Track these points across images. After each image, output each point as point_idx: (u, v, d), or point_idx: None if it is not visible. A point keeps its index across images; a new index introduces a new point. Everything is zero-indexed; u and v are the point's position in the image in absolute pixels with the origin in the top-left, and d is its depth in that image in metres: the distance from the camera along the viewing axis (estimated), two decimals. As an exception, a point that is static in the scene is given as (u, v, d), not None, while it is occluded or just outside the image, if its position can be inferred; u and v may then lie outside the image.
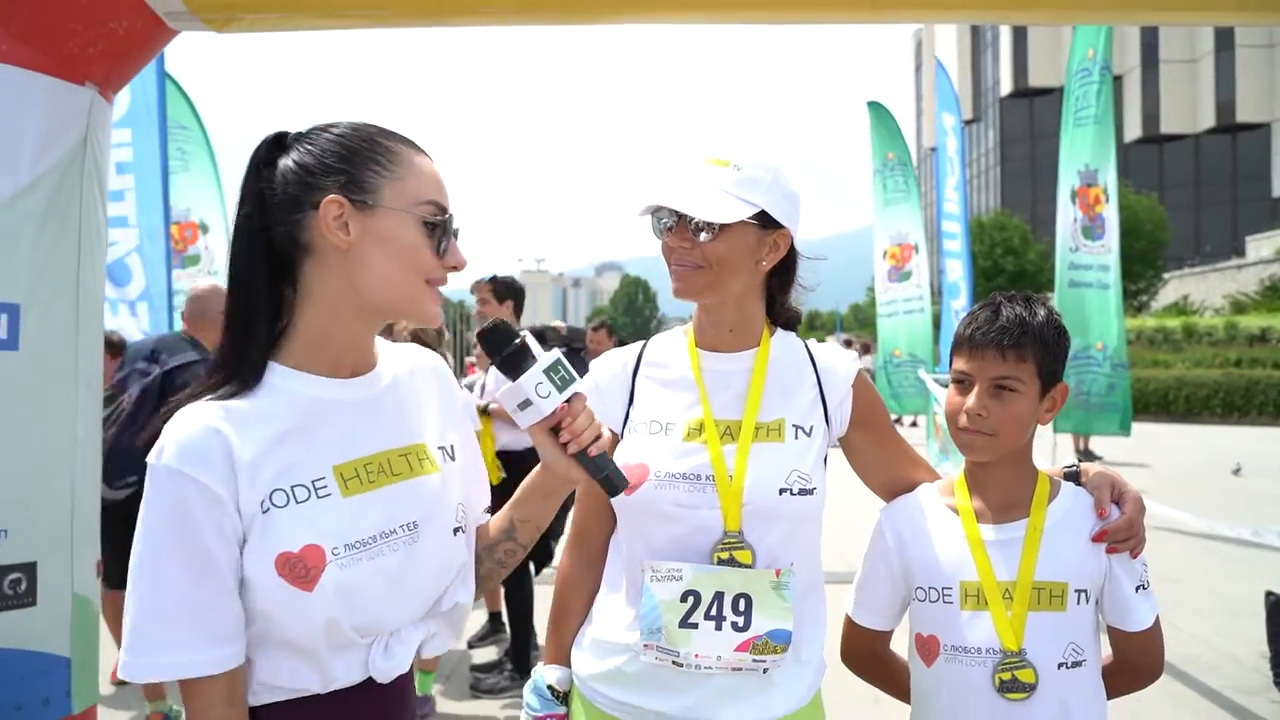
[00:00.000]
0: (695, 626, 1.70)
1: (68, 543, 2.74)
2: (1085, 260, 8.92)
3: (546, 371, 1.42)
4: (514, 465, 5.03)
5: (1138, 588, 1.81)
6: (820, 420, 1.84)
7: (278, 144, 1.46)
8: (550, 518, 1.64)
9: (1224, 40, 56.18)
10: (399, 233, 1.43)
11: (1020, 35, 62.09)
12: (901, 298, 14.97)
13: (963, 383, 1.82)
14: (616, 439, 1.85)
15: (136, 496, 4.14)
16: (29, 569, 2.63)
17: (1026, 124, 62.22)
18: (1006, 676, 1.74)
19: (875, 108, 15.81)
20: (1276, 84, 54.45)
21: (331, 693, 1.43)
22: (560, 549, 2.06)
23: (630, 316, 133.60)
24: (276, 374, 1.44)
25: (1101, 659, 1.88)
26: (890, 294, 15.04)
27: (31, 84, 2.63)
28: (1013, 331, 1.76)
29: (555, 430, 1.46)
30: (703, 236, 1.72)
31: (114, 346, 5.68)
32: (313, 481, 1.39)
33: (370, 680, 1.46)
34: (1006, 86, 65.09)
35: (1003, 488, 1.84)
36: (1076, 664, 1.77)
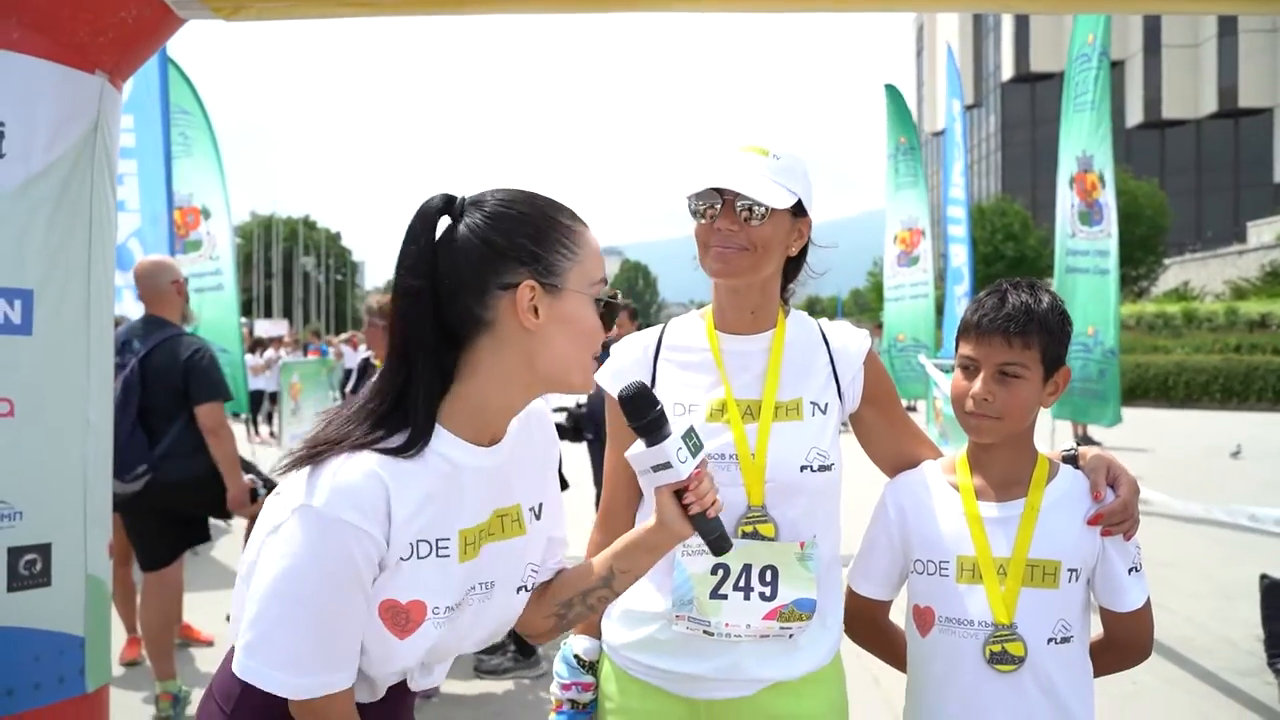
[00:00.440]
0: (725, 597, 1.78)
1: (81, 524, 2.79)
2: (1082, 246, 8.92)
3: (684, 438, 1.49)
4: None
5: (1130, 569, 1.86)
6: (834, 397, 1.92)
7: (447, 208, 1.44)
8: (649, 570, 1.70)
9: (1227, 25, 55.93)
10: (581, 314, 1.46)
11: (1022, 20, 61.86)
12: (909, 283, 14.92)
13: (969, 368, 1.87)
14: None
15: (150, 488, 4.17)
16: (44, 550, 2.68)
17: (1028, 109, 62.06)
18: (997, 648, 1.81)
19: (891, 91, 15.74)
20: (1279, 69, 54.29)
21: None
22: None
23: (632, 301, 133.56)
24: (437, 437, 1.45)
25: (1090, 637, 1.93)
26: (898, 279, 14.99)
27: (43, 72, 2.66)
28: (1018, 319, 1.81)
29: (678, 491, 1.52)
30: (752, 220, 1.79)
31: None
32: (438, 540, 1.43)
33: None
34: (1008, 71, 64.89)
35: (1003, 467, 1.89)
36: (1065, 640, 1.83)
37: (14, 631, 2.62)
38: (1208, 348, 24.57)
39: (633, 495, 1.99)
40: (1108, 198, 8.80)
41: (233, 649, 1.53)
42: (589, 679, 1.95)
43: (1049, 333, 1.83)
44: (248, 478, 4.69)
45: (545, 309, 1.42)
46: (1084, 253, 8.98)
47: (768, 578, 1.79)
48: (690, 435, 1.51)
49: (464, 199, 1.46)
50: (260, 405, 17.12)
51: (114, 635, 5.15)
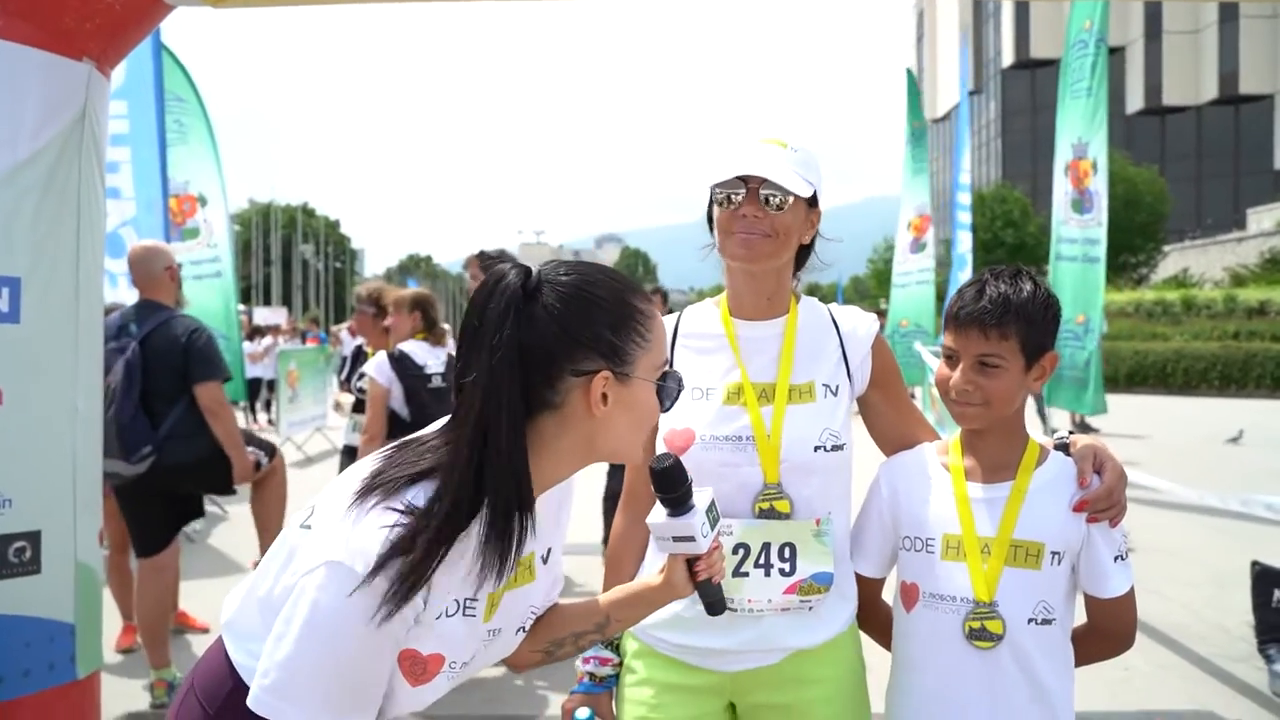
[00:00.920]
0: (747, 575, 1.87)
1: (70, 511, 2.80)
2: (1072, 234, 8.92)
3: (706, 512, 1.54)
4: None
5: (1116, 557, 1.88)
6: (845, 379, 1.99)
7: (524, 285, 1.40)
8: (640, 621, 1.76)
9: (1227, 11, 55.73)
10: (645, 400, 1.48)
11: (1022, 6, 61.62)
12: (916, 269, 14.89)
13: (951, 358, 1.91)
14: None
15: (154, 470, 4.19)
16: (33, 537, 2.69)
17: (1028, 96, 61.87)
18: (976, 625, 1.85)
19: (910, 77, 15.69)
20: (1280, 55, 54.22)
21: None
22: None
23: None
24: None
25: (1073, 624, 1.95)
26: (908, 265, 14.95)
27: (29, 59, 2.66)
28: (994, 311, 1.84)
29: (690, 559, 1.58)
30: (777, 208, 1.87)
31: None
32: (467, 600, 1.43)
33: None
34: (1008, 58, 64.65)
35: (994, 451, 1.93)
36: (1046, 622, 1.86)
37: (4, 619, 2.64)
38: (1206, 335, 24.58)
39: None
40: (1099, 185, 8.78)
41: (217, 644, 1.53)
42: (608, 654, 2.01)
43: (1028, 322, 1.85)
44: (250, 450, 4.71)
45: (613, 395, 1.43)
46: (1074, 240, 8.98)
47: (786, 554, 1.87)
48: (711, 509, 1.56)
49: (539, 274, 1.43)
50: (258, 393, 17.15)
51: (111, 622, 5.22)
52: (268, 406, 17.13)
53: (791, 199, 1.88)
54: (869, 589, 2.10)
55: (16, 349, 2.66)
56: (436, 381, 4.85)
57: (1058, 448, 1.96)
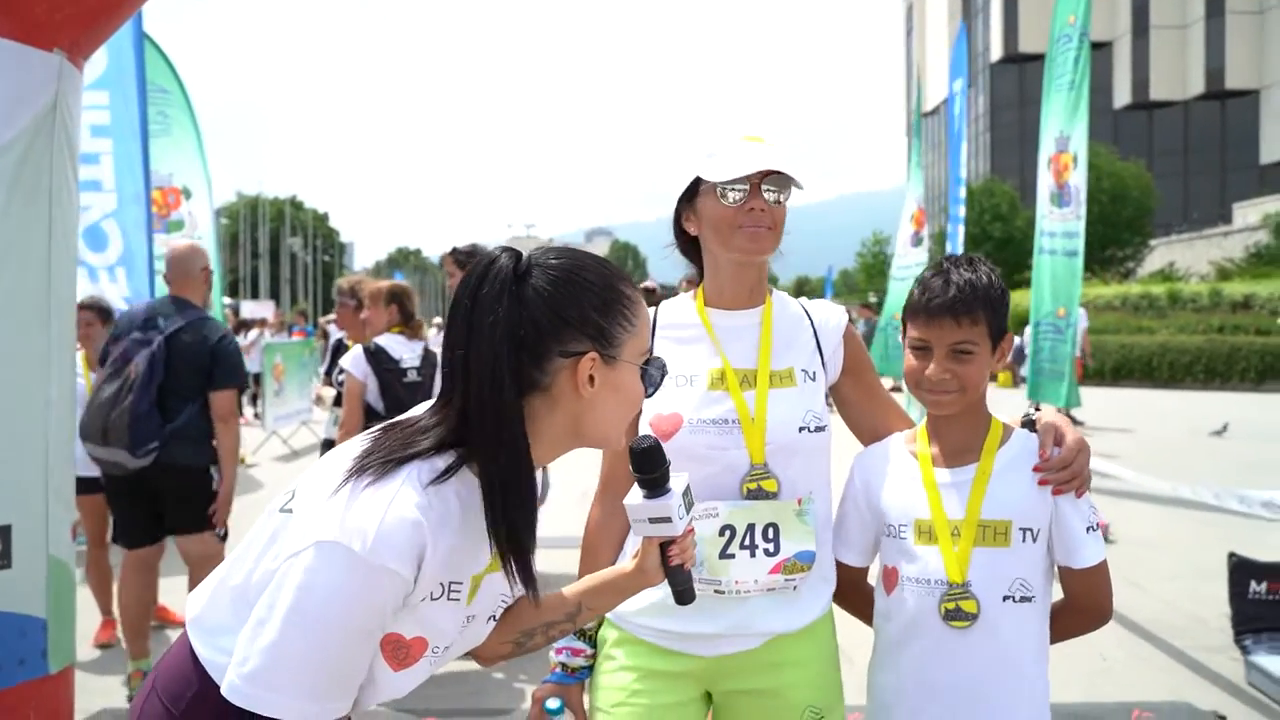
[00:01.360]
0: (733, 556, 1.91)
1: (43, 505, 2.77)
2: (1053, 227, 8.97)
3: (683, 495, 1.57)
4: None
5: (1088, 528, 1.92)
6: (820, 367, 2.06)
7: (516, 267, 1.44)
8: (611, 610, 1.80)
9: (1214, 6, 55.91)
10: (630, 384, 1.51)
11: (1010, 1, 61.83)
12: (914, 263, 14.89)
13: (923, 349, 1.94)
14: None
15: (154, 466, 4.16)
16: (3, 531, 2.67)
17: (1016, 90, 61.91)
18: (951, 606, 1.89)
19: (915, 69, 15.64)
20: (1266, 51, 54.25)
21: None
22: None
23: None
24: (469, 484, 1.44)
25: (1050, 602, 1.99)
26: (908, 258, 14.95)
27: (-2, 50, 2.63)
28: (965, 299, 1.88)
29: (663, 543, 1.59)
30: (777, 201, 1.95)
31: (105, 313, 5.73)
32: (452, 584, 1.44)
33: None
34: (997, 52, 64.73)
35: (959, 435, 1.98)
36: (1023, 599, 1.90)
37: (-26, 613, 2.62)
38: (1191, 328, 24.70)
39: None
40: (1078, 179, 8.83)
41: (181, 643, 1.50)
42: (581, 645, 2.02)
43: (993, 307, 1.91)
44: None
45: (600, 378, 1.46)
46: (1054, 234, 9.03)
47: (770, 534, 1.92)
48: (687, 493, 1.59)
49: (530, 257, 1.47)
50: (244, 386, 17.06)
51: (91, 617, 5.20)
52: (254, 400, 17.08)
53: (789, 192, 1.97)
54: (853, 575, 2.15)
55: (-13, 341, 2.64)
56: (412, 376, 4.83)
57: (1024, 424, 2.00)
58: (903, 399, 10.13)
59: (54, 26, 2.74)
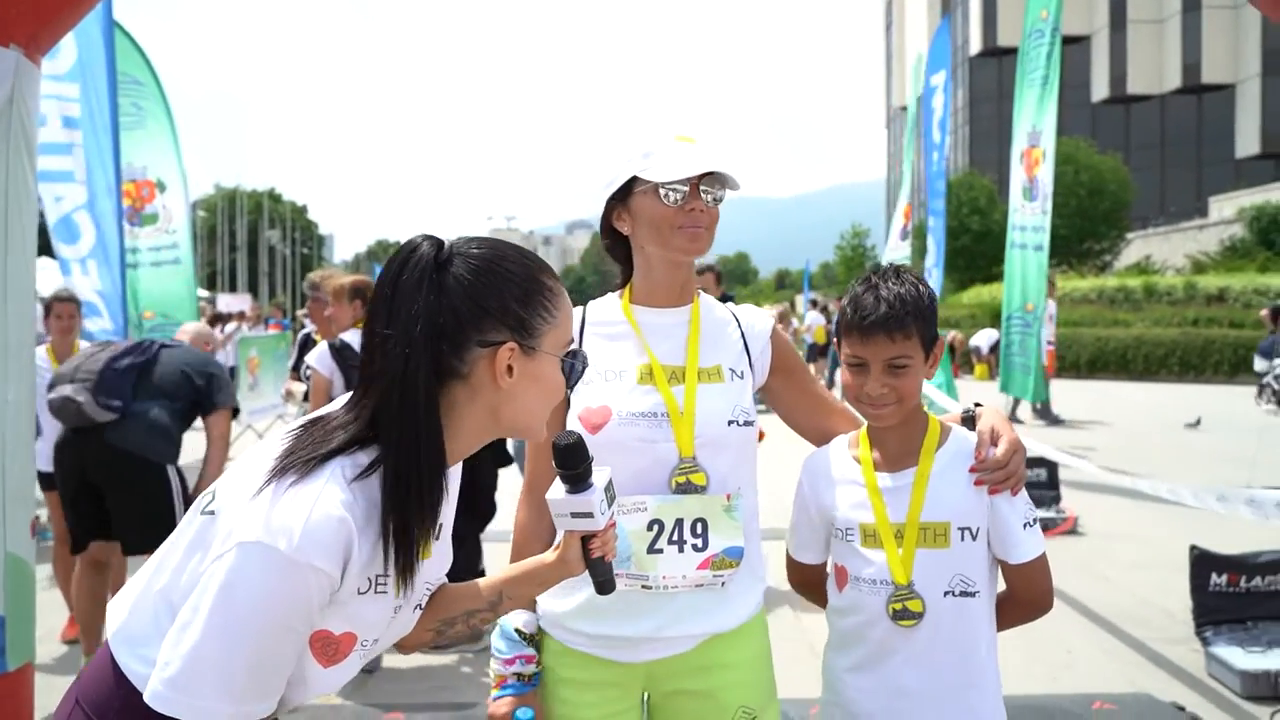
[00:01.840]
0: (660, 551, 1.91)
1: (-1, 504, 2.77)
2: (1024, 221, 9.02)
3: (605, 490, 1.59)
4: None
5: (1025, 524, 1.96)
6: (747, 367, 2.09)
7: (437, 256, 1.44)
8: (532, 598, 1.82)
9: (1191, 1, 56.18)
10: (550, 375, 1.52)
11: (990, -7, 61.99)
12: (900, 256, 14.89)
13: (858, 365, 1.96)
14: (566, 393, 1.98)
15: (109, 447, 4.14)
16: (-41, 529, 2.66)
17: (995, 83, 61.99)
18: (898, 606, 1.94)
19: (919, 59, 15.62)
20: (1242, 45, 54.55)
21: None
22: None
23: (600, 276, 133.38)
24: None
25: (995, 594, 2.04)
26: (899, 252, 14.96)
27: (-49, 46, 2.61)
28: (898, 314, 1.91)
29: (585, 536, 1.61)
30: (715, 201, 1.97)
31: (72, 301, 5.86)
32: (378, 577, 1.42)
33: None
34: (976, 46, 64.91)
35: (897, 440, 2.02)
36: (966, 594, 1.95)
37: (-71, 611, 2.61)
38: (1166, 321, 24.89)
39: None
40: (1045, 174, 8.89)
41: (103, 654, 1.47)
42: (531, 651, 2.01)
43: (924, 318, 1.94)
44: None
45: (519, 368, 1.46)
46: (1024, 228, 9.08)
47: (698, 530, 1.92)
48: (609, 488, 1.61)
49: (451, 246, 1.47)
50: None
51: (59, 613, 5.18)
52: (230, 394, 16.99)
53: (724, 193, 1.98)
54: (814, 573, 2.19)
55: (-58, 339, 2.63)
56: None
57: (964, 421, 2.04)
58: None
59: (8, 22, 2.73)
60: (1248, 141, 55.24)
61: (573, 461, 1.56)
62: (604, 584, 1.64)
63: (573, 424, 1.96)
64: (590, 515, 1.57)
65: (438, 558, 1.65)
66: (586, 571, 1.64)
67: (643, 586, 1.92)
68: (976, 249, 41.32)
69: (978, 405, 2.08)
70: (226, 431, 4.75)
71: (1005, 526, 1.95)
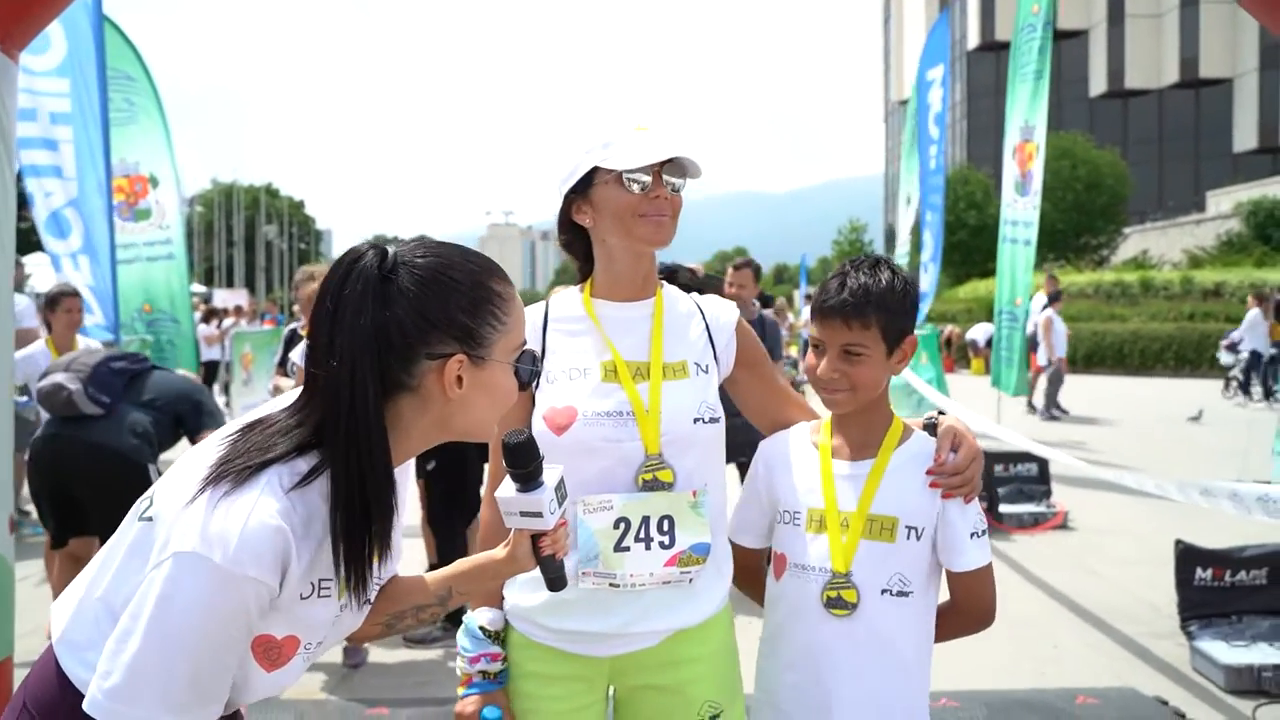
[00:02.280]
0: (628, 550, 1.90)
1: (-23, 501, 2.77)
2: (1014, 216, 9.02)
3: (555, 489, 1.58)
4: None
5: (972, 534, 1.96)
6: (712, 360, 2.07)
7: (381, 266, 1.41)
8: (481, 593, 1.84)
9: (1189, -5, 56.19)
10: (502, 382, 1.49)
11: (988, -12, 61.87)
12: (901, 252, 14.87)
13: (819, 348, 1.99)
14: (531, 393, 1.99)
15: (93, 445, 4.12)
16: (-64, 526, 2.67)
17: (993, 78, 61.85)
18: (833, 594, 1.93)
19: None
20: (1239, 40, 54.46)
21: None
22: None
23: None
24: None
25: (936, 601, 2.04)
26: (907, 246, 14.93)
27: (-75, 43, 2.61)
28: (855, 303, 1.92)
29: (535, 534, 1.61)
30: (676, 190, 1.95)
31: (78, 295, 6.19)
32: (320, 580, 1.42)
33: None
34: (974, 40, 64.80)
35: (859, 430, 2.03)
36: (901, 594, 1.94)
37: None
38: (1163, 316, 24.91)
39: None
40: (1036, 168, 8.90)
41: (47, 657, 1.46)
42: (496, 649, 2.00)
43: (887, 311, 1.93)
44: None
45: (469, 379, 1.44)
46: (1015, 223, 9.08)
47: (665, 527, 1.92)
48: (560, 486, 1.61)
49: (396, 254, 1.43)
50: (215, 376, 16.99)
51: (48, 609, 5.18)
52: (225, 389, 17.00)
53: (685, 183, 1.97)
54: (752, 559, 2.19)
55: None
56: None
57: (926, 427, 2.04)
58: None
59: (-16, 19, 2.73)
60: (1245, 136, 55.22)
61: (522, 460, 1.56)
62: (555, 581, 1.64)
63: (538, 425, 1.95)
64: (539, 515, 1.57)
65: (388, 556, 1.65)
66: (538, 568, 1.63)
67: (610, 585, 1.91)
68: (973, 243, 41.23)
69: (941, 413, 2.08)
70: None
71: (953, 533, 1.96)
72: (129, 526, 1.43)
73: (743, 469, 5.55)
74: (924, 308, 10.89)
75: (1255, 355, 16.96)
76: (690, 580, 1.95)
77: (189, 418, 4.66)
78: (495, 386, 1.48)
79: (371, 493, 1.39)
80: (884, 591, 1.93)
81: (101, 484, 4.44)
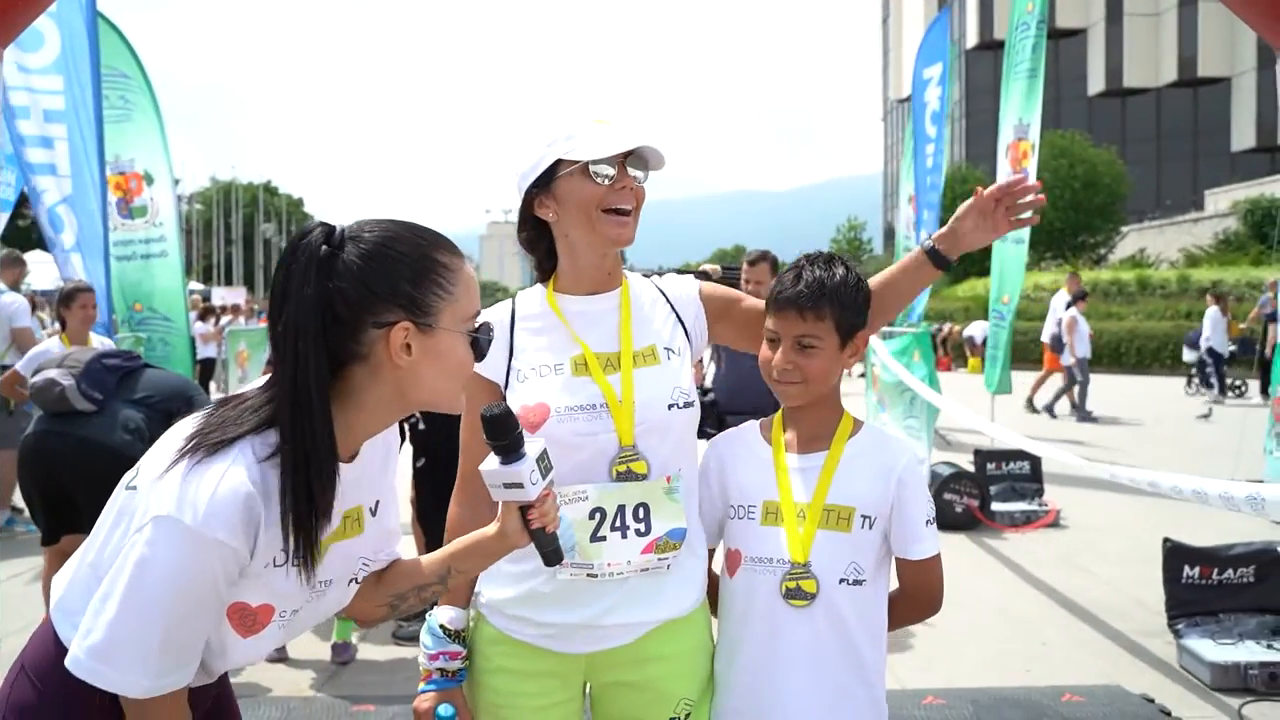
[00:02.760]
0: (604, 539, 1.90)
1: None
2: (1007, 215, 9.03)
3: (537, 460, 1.61)
4: (429, 415, 5.09)
5: (927, 521, 2.00)
6: (683, 341, 2.07)
7: (326, 240, 1.47)
8: (481, 572, 1.85)
9: (1187, -6, 56.18)
10: (452, 349, 1.54)
11: (987, -13, 61.82)
12: (902, 249, 14.78)
13: (773, 340, 2.01)
14: (501, 391, 2.01)
15: (84, 440, 4.14)
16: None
17: (991, 77, 61.78)
18: (792, 585, 1.95)
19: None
20: (1237, 39, 54.36)
21: None
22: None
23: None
24: None
25: (887, 589, 2.06)
26: (911, 241, 14.86)
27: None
28: (810, 295, 1.95)
29: (523, 506, 1.63)
30: (640, 180, 1.96)
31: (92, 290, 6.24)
32: (295, 552, 1.47)
33: None
34: (972, 39, 64.78)
35: (811, 423, 2.05)
36: (857, 583, 1.97)
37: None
38: (1160, 314, 24.92)
39: None
40: (1033, 166, 8.92)
41: (45, 623, 1.56)
42: (456, 648, 1.99)
43: (841, 305, 1.97)
44: None
45: (418, 346, 1.49)
46: (1008, 221, 9.09)
47: (641, 514, 1.92)
48: (543, 458, 1.63)
49: (343, 230, 1.50)
50: (212, 374, 17.00)
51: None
52: (224, 387, 17.01)
53: (647, 174, 1.98)
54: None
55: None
56: None
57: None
58: (860, 385, 10.16)
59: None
60: (1243, 135, 55.24)
61: (500, 432, 1.58)
62: (550, 554, 1.67)
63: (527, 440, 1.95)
64: (521, 486, 1.59)
65: (375, 535, 1.72)
66: (532, 544, 1.66)
67: (588, 575, 1.91)
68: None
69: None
70: None
71: (909, 520, 1.98)
72: (117, 496, 1.52)
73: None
74: (920, 306, 10.89)
75: (1212, 352, 16.99)
76: (668, 566, 1.95)
77: (182, 415, 4.65)
78: (446, 354, 1.53)
79: (314, 460, 1.44)
80: (841, 580, 1.95)
81: (93, 480, 4.42)
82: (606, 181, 1.92)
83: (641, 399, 1.95)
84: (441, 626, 1.99)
